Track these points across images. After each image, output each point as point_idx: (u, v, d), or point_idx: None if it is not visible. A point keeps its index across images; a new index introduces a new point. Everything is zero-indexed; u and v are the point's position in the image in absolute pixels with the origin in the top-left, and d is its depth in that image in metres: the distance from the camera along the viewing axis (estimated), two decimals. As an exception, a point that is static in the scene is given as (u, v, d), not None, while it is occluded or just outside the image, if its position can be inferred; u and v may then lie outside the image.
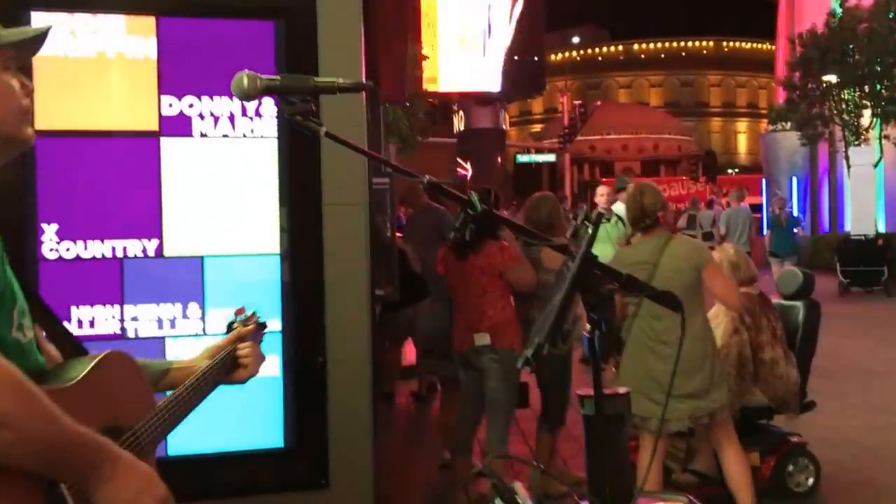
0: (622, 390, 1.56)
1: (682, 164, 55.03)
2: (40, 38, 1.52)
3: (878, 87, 18.53)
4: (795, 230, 14.63)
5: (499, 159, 40.19)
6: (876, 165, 17.87)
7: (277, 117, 3.43)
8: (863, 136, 19.07)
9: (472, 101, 38.09)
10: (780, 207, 14.26)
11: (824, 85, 19.54)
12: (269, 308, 3.54)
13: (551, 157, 45.20)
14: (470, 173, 38.42)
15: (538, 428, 5.18)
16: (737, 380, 4.57)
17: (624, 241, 7.62)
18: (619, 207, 8.38)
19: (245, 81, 1.47)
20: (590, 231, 1.39)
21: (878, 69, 18.59)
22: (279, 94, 1.48)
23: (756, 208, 26.00)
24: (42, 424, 1.23)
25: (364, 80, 3.84)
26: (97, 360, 1.48)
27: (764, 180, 24.42)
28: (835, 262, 15.88)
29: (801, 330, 5.08)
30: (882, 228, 17.79)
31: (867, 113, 19.04)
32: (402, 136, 19.73)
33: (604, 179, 47.04)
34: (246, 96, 1.49)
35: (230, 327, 2.00)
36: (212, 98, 3.36)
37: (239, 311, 2.04)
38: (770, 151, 23.62)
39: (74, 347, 1.58)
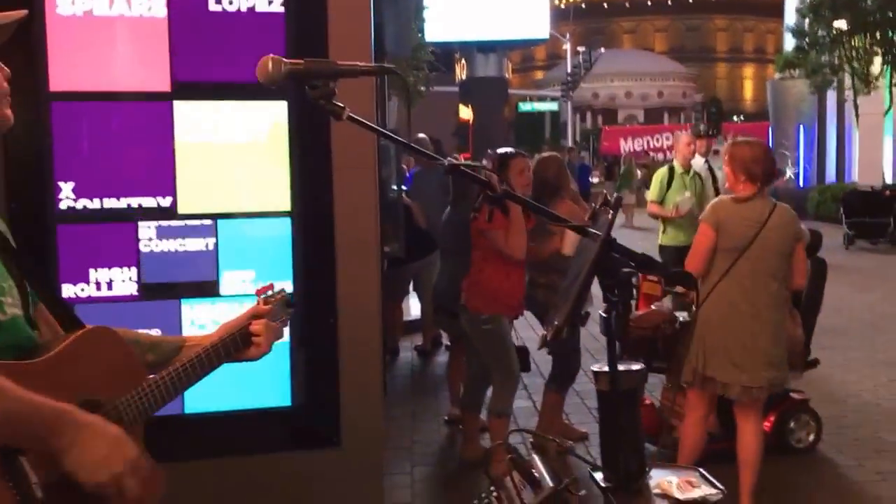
0: (635, 367, 1.60)
1: (686, 111, 54.57)
2: (12, 25, 1.55)
3: (890, 33, 18.26)
4: (782, 180, 15.08)
5: (504, 110, 39.88)
6: (885, 114, 17.73)
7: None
8: (872, 85, 18.86)
9: (475, 49, 37.61)
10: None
11: (834, 32, 19.25)
12: (281, 268, 3.60)
13: (553, 106, 44.83)
14: (472, 119, 38.17)
15: (545, 387, 5.26)
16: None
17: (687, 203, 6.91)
18: (699, 161, 7.55)
19: (270, 66, 1.49)
20: (610, 215, 1.41)
21: (890, 15, 18.30)
22: (303, 79, 1.50)
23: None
24: None
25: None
26: (75, 336, 1.52)
27: (770, 129, 24.23)
28: (840, 214, 15.84)
29: (807, 288, 5.11)
30: (889, 179, 17.71)
31: (878, 61, 18.80)
32: (406, 89, 19.55)
33: (606, 127, 46.80)
34: (271, 81, 1.50)
35: (265, 300, 1.95)
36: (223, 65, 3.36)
37: (264, 289, 1.99)
38: (777, 99, 23.39)
39: (71, 322, 1.62)
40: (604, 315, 1.43)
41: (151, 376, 1.65)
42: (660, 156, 37.32)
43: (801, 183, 22.40)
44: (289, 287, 3.58)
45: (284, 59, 1.50)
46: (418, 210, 7.06)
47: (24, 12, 1.57)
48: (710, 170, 7.59)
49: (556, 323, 1.36)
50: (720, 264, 3.95)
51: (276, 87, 1.53)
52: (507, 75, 41.10)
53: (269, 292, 1.97)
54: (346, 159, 3.58)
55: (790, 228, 3.97)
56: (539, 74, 66.11)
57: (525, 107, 45.07)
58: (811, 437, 4.99)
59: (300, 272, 3.61)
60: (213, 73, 3.35)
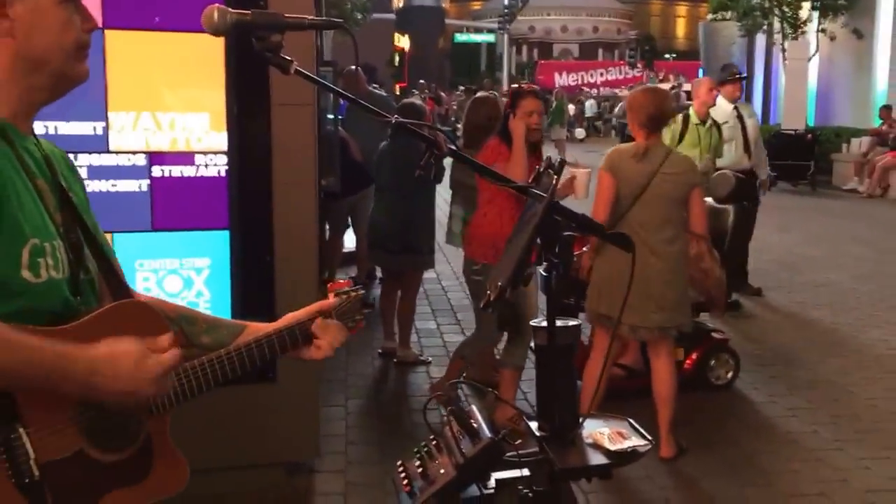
0: (572, 322, 1.66)
1: (620, 47, 54.77)
2: None
3: (819, -21, 18.61)
4: None
5: (441, 42, 39.37)
6: (810, 60, 18.11)
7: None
8: (800, 30, 19.23)
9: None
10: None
11: (766, -25, 19.52)
12: (217, 206, 3.57)
13: (490, 38, 44.45)
14: (408, 49, 37.65)
15: (500, 362, 5.35)
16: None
17: (711, 154, 6.50)
18: (720, 108, 6.93)
19: (215, 16, 1.46)
20: (554, 179, 1.45)
21: (820, -39, 18.63)
22: (249, 30, 1.48)
23: (691, 96, 26.31)
24: None
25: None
26: (106, 308, 1.44)
27: (701, 69, 24.56)
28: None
29: (731, 233, 5.30)
30: (812, 123, 18.21)
31: (806, 6, 19.14)
32: (341, 15, 19.16)
33: (542, 61, 46.72)
34: (216, 31, 1.47)
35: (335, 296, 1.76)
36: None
37: (338, 286, 1.78)
38: (708, 40, 23.68)
39: (120, 291, 1.55)
40: (544, 274, 1.47)
41: (188, 363, 1.54)
42: (593, 91, 37.67)
43: (728, 123, 22.90)
44: (224, 223, 3.58)
45: (230, 10, 1.47)
46: (354, 144, 7.02)
47: None
48: (740, 117, 7.07)
49: (499, 284, 1.40)
50: (617, 210, 4.06)
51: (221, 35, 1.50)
52: (444, 5, 40.47)
53: (345, 289, 1.77)
54: (285, 96, 3.53)
55: (684, 176, 4.06)
56: (476, 5, 65.23)
57: (461, 38, 44.58)
58: (729, 375, 5.23)
59: (236, 211, 3.59)
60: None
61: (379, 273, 7.33)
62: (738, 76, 7.29)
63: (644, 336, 4.15)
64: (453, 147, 1.53)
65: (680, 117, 6.58)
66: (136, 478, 1.45)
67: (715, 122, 6.63)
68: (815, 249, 9.94)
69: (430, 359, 5.75)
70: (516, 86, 4.72)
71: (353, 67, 7.55)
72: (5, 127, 1.41)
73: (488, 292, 1.44)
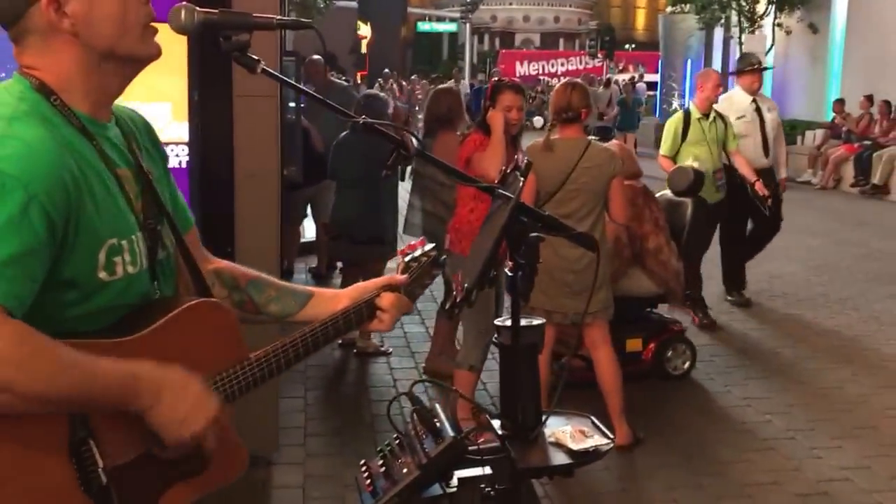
0: (536, 321, 1.68)
1: (581, 37, 55.04)
2: None
3: (776, -26, 18.88)
4: (639, 110, 15.79)
5: (403, 30, 39.27)
6: (767, 53, 18.38)
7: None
8: (757, 24, 19.51)
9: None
10: (627, 92, 15.45)
11: (724, -31, 19.77)
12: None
13: (452, 27, 44.40)
14: (369, 38, 37.47)
15: (437, 313, 5.40)
16: (614, 260, 4.84)
17: (717, 148, 6.23)
18: (737, 101, 6.64)
19: (182, 15, 1.44)
20: (521, 182, 1.46)
21: (777, -44, 18.90)
22: (217, 29, 1.47)
23: (652, 86, 26.53)
24: (42, 384, 1.25)
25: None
26: (178, 310, 1.44)
27: (660, 62, 24.80)
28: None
29: (689, 226, 5.39)
30: (767, 115, 18.48)
31: (763, 0, 19.42)
32: (303, 4, 19.02)
33: (503, 51, 46.79)
34: (183, 30, 1.46)
35: (407, 266, 1.75)
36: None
37: (411, 248, 1.78)
38: (667, 33, 23.82)
39: (200, 286, 1.55)
40: (509, 274, 1.50)
41: (254, 354, 1.54)
42: (554, 81, 37.88)
43: (686, 114, 23.20)
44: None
45: (198, 8, 1.46)
46: (316, 133, 6.99)
47: None
48: (759, 111, 6.65)
49: (466, 286, 1.42)
50: (537, 203, 4.06)
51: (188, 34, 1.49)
52: (406, -7, 40.41)
53: (418, 251, 1.76)
54: (248, 87, 3.50)
55: (603, 168, 4.10)
56: (438, -8, 65.12)
57: (424, 27, 44.47)
58: (686, 365, 5.32)
59: (197, 202, 3.56)
60: None
61: (339, 263, 7.33)
62: (756, 66, 6.76)
63: (559, 320, 4.15)
64: (420, 147, 1.54)
65: (680, 114, 6.40)
66: (196, 469, 1.46)
67: (719, 115, 6.27)
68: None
69: (391, 349, 5.76)
70: (497, 79, 4.70)
71: (315, 57, 7.51)
72: (86, 123, 1.40)
73: (453, 293, 1.45)
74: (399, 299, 1.70)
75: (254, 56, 1.49)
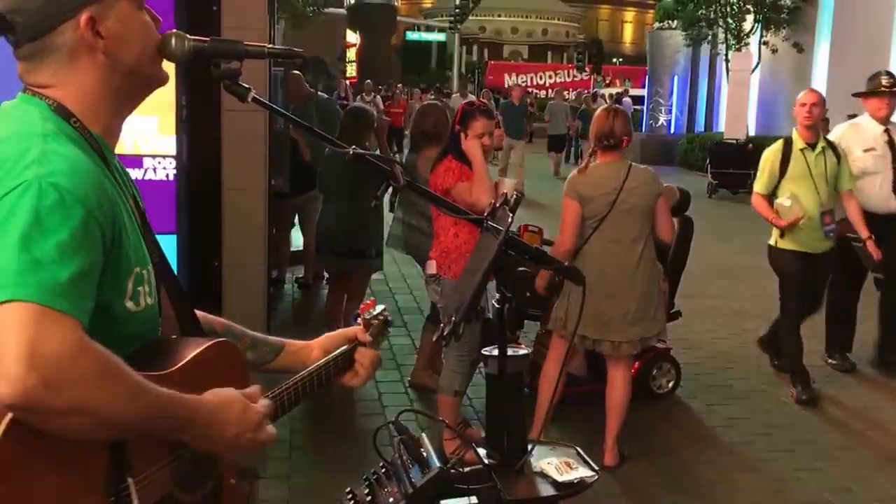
0: (521, 351, 1.69)
1: (569, 50, 55.36)
2: None
3: (762, -7, 19.09)
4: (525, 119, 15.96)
5: (392, 39, 39.36)
6: (753, 71, 18.56)
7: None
8: (744, 41, 19.69)
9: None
10: (588, 104, 15.66)
11: (712, -14, 19.97)
12: (164, 210, 3.52)
13: (441, 37, 44.55)
14: (358, 46, 37.52)
15: (424, 326, 5.40)
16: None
17: (830, 186, 5.18)
18: (865, 129, 5.55)
19: (173, 42, 1.44)
20: (510, 217, 1.47)
21: (764, -25, 19.12)
22: (207, 58, 1.46)
23: (639, 100, 26.72)
24: (121, 407, 1.21)
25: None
26: (206, 347, 1.43)
27: (647, 77, 25.00)
28: (706, 163, 16.64)
29: (674, 244, 5.40)
30: (753, 132, 18.67)
31: (750, 18, 19.60)
32: (293, 12, 19.03)
33: (492, 62, 46.96)
34: (173, 57, 1.45)
35: (368, 323, 1.82)
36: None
37: (366, 307, 1.85)
38: (654, 49, 24.05)
39: (191, 323, 1.54)
40: (496, 306, 1.50)
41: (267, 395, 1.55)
42: (542, 93, 38.03)
43: (671, 130, 23.37)
44: (172, 228, 3.53)
45: (188, 36, 1.45)
46: (304, 143, 6.99)
47: None
48: (891, 143, 5.51)
49: (454, 319, 1.42)
50: (586, 231, 4.14)
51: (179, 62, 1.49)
52: (396, 2, 40.47)
53: (375, 310, 1.84)
54: (236, 101, 3.50)
55: (649, 187, 4.16)
56: (428, 2, 65.24)
57: (413, 36, 44.62)
58: (671, 384, 5.34)
59: (184, 215, 3.55)
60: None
61: (326, 274, 7.31)
62: (887, 87, 5.50)
63: (627, 350, 4.21)
64: (409, 180, 1.54)
65: (779, 143, 5.33)
66: None
67: (830, 145, 5.26)
68: (753, 258, 10.15)
69: (376, 363, 5.74)
70: (467, 102, 4.61)
71: (294, 71, 7.49)
72: (102, 145, 1.37)
73: (441, 325, 1.46)
74: (376, 357, 1.77)
75: (244, 84, 1.49)
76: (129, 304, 1.34)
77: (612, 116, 4.19)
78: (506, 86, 38.99)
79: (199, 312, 1.71)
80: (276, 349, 1.76)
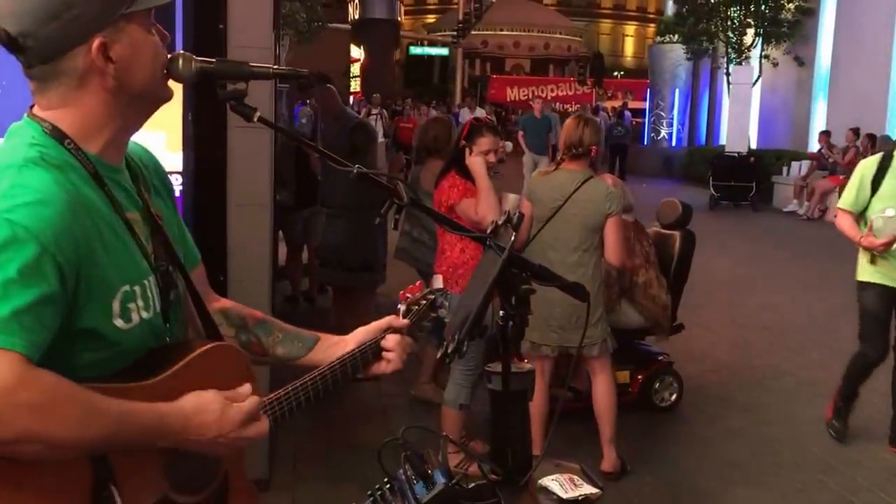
0: (526, 367, 1.71)
1: (570, 64, 55.54)
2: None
3: (763, 7, 19.13)
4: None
5: (395, 54, 39.58)
6: (754, 85, 18.61)
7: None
8: (744, 55, 19.75)
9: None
10: (538, 109, 15.12)
11: (712, 1, 20.02)
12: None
13: (444, 51, 44.75)
14: (362, 60, 37.72)
15: (427, 340, 5.41)
16: (604, 293, 4.86)
17: None
18: None
19: (180, 63, 1.47)
20: (512, 235, 1.49)
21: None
22: (214, 78, 1.49)
23: (639, 113, 26.79)
24: (74, 431, 1.24)
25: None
26: (197, 353, 1.45)
27: (649, 90, 25.10)
28: (708, 176, 16.69)
29: (676, 258, 5.43)
30: (754, 145, 18.71)
31: (750, 32, 19.66)
32: (298, 28, 19.15)
33: (494, 76, 47.14)
34: (180, 79, 1.48)
35: (408, 309, 1.83)
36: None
37: (411, 290, 1.86)
38: (655, 62, 24.15)
39: (208, 326, 1.56)
40: (500, 323, 1.52)
41: (268, 398, 1.54)
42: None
43: (673, 143, 23.44)
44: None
45: (195, 57, 1.48)
46: (315, 158, 7.01)
47: None
48: None
49: (457, 337, 1.44)
50: (532, 231, 4.20)
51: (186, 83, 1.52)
52: (399, 18, 40.73)
53: (418, 294, 1.84)
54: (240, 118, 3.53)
55: (597, 205, 4.11)
56: (431, 18, 65.57)
57: (416, 50, 44.85)
58: (673, 397, 5.36)
59: (190, 231, 3.57)
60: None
61: (328, 287, 7.34)
62: None
63: (546, 353, 4.21)
64: (413, 197, 1.57)
65: (874, 159, 4.71)
66: None
67: None
68: (755, 270, 10.20)
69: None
70: (474, 118, 4.63)
71: (328, 85, 7.53)
72: (97, 167, 1.39)
73: (445, 343, 1.48)
74: (403, 340, 1.75)
75: (250, 105, 1.52)
76: (119, 323, 1.36)
77: (581, 125, 4.22)
78: (508, 99, 39.17)
79: (233, 303, 1.74)
80: (310, 344, 1.76)
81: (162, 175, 1.65)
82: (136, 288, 1.40)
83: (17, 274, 1.21)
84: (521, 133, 14.72)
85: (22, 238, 1.22)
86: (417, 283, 1.87)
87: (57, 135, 1.36)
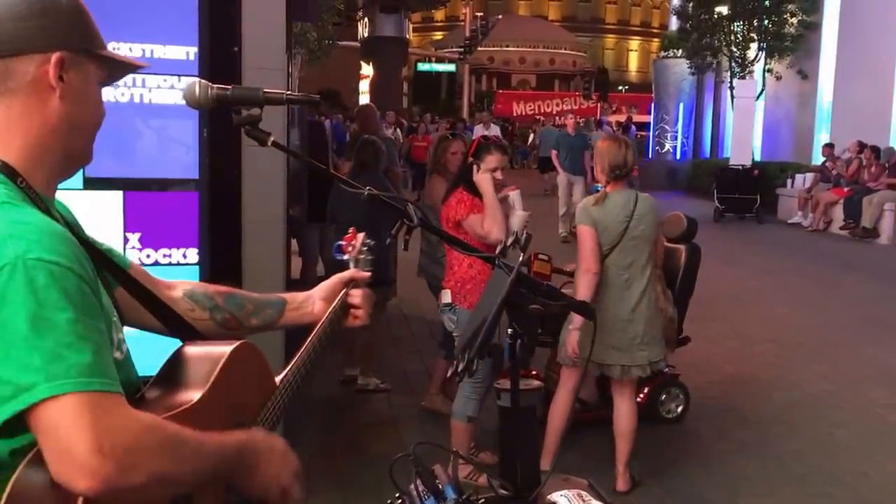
0: (534, 384, 1.74)
1: (575, 79, 55.70)
2: (132, 68, 1.49)
3: (766, 21, 19.22)
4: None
5: (403, 70, 39.87)
6: (757, 98, 18.67)
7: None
8: (748, 69, 19.82)
9: (378, 7, 37.55)
10: (571, 125, 14.25)
11: (716, 16, 20.12)
12: (187, 238, 3.60)
13: (451, 67, 45.00)
14: (372, 77, 38.09)
15: (439, 353, 5.46)
16: None
17: None
18: None
19: (197, 90, 1.52)
20: (521, 256, 1.53)
21: (767, 4, 19.28)
22: (230, 105, 1.54)
23: (644, 127, 26.85)
24: (189, 465, 1.24)
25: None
26: (225, 361, 1.42)
27: (653, 104, 25.18)
28: (713, 188, 16.73)
29: (682, 271, 5.45)
30: (758, 158, 18.74)
31: (754, 47, 19.75)
32: (309, 47, 19.34)
33: (500, 91, 47.35)
34: (197, 105, 1.54)
35: (356, 260, 1.87)
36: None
37: (349, 240, 1.88)
38: (660, 77, 24.23)
39: (178, 325, 1.55)
40: (509, 342, 1.56)
41: (279, 378, 1.58)
42: (549, 120, 38.25)
43: (678, 156, 23.50)
44: (194, 257, 3.60)
45: (212, 84, 1.53)
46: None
47: (146, 63, 1.57)
48: None
49: (468, 356, 1.48)
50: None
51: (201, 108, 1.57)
52: (407, 35, 41.05)
53: (358, 242, 1.88)
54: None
55: (654, 215, 4.30)
56: (438, 35, 65.93)
57: (424, 66, 45.16)
58: (680, 409, 5.39)
59: (205, 243, 3.63)
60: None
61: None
62: None
63: (636, 374, 4.30)
64: (422, 217, 1.61)
65: None
66: None
67: None
68: (760, 282, 10.21)
69: (391, 386, 5.84)
70: (483, 136, 4.72)
71: (368, 103, 7.64)
72: (48, 203, 1.34)
73: (455, 362, 1.52)
74: (367, 294, 1.83)
75: (264, 130, 1.57)
76: (117, 355, 1.32)
77: (623, 147, 4.30)
78: (514, 113, 39.34)
79: (193, 284, 1.73)
80: (280, 308, 1.80)
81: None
82: (114, 318, 1.36)
83: (75, 311, 1.15)
84: (554, 152, 14.08)
85: (58, 273, 1.16)
86: (350, 232, 1.92)
87: (8, 172, 1.29)
